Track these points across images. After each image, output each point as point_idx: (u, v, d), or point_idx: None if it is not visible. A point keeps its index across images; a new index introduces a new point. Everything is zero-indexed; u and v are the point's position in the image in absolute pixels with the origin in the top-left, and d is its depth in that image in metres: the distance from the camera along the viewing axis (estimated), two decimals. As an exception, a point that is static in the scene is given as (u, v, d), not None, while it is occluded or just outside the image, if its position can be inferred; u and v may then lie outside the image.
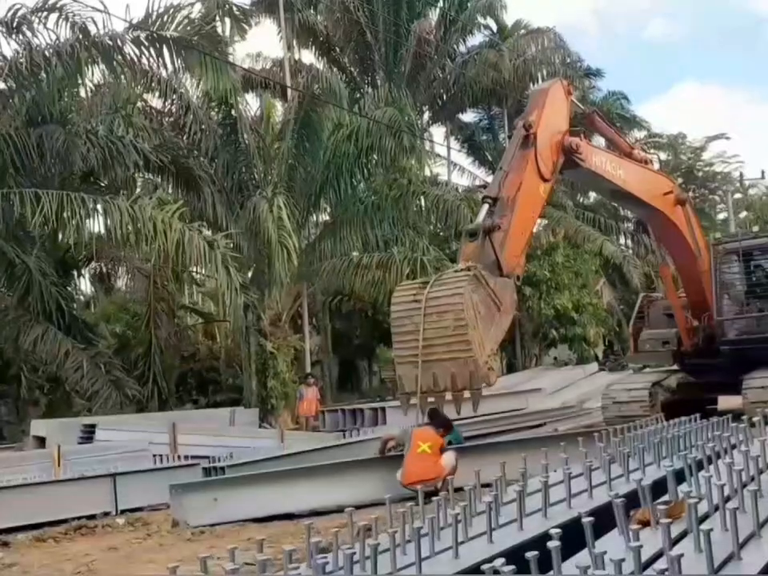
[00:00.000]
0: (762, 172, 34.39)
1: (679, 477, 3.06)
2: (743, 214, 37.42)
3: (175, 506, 7.16)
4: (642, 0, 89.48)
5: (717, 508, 2.53)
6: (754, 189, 39.31)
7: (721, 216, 34.31)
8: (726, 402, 12.11)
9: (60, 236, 15.05)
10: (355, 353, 25.15)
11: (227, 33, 17.74)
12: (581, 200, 28.04)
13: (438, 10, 24.80)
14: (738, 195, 35.91)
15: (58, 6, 12.88)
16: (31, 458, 10.50)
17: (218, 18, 16.01)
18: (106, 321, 20.85)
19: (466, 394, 7.26)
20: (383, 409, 13.59)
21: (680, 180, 25.72)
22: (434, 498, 2.87)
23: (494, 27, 26.43)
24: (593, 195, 27.09)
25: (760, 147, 66.64)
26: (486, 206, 7.89)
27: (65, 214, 12.63)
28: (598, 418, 12.52)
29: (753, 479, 2.85)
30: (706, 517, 2.57)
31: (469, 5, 24.15)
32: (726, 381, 11.20)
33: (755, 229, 14.03)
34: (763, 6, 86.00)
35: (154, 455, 9.98)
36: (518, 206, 7.91)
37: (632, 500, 2.68)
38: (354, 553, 2.18)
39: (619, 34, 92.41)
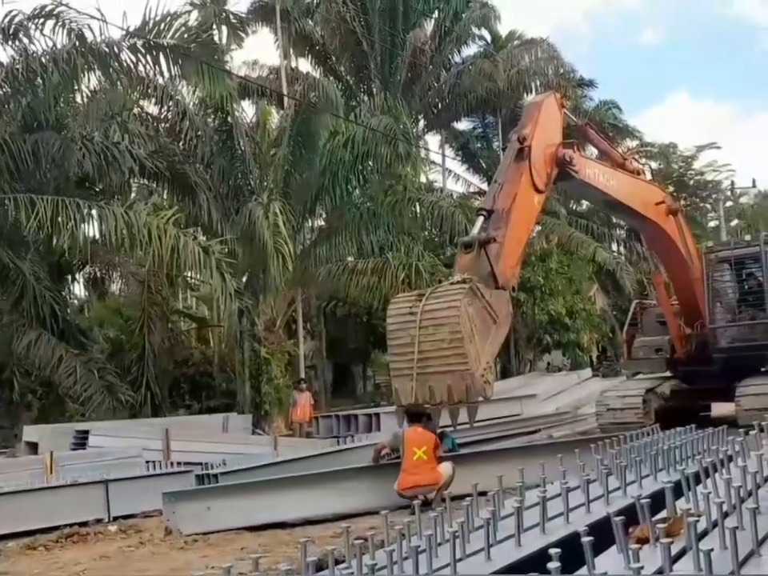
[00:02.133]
0: (753, 180, 34.78)
1: (676, 488, 3.07)
2: (734, 222, 37.66)
3: (168, 514, 7.12)
4: (635, 8, 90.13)
5: (715, 525, 2.54)
6: (745, 197, 39.58)
7: (712, 224, 34.51)
8: (719, 409, 12.18)
9: (54, 241, 14.97)
10: (350, 358, 25.14)
11: (224, 41, 17.79)
12: (574, 207, 28.18)
13: (433, 20, 24.99)
14: (729, 203, 36.11)
15: (54, 12, 12.88)
16: (23, 464, 10.42)
17: (214, 26, 16.04)
18: (99, 325, 20.76)
19: (462, 406, 7.25)
20: (377, 415, 13.55)
21: (671, 188, 25.85)
22: (432, 514, 2.86)
23: (489, 38, 26.68)
24: (585, 202, 27.21)
25: (751, 156, 67.23)
26: (481, 219, 7.95)
27: (59, 219, 12.62)
28: (593, 425, 12.56)
29: (750, 494, 2.86)
30: (704, 533, 2.57)
31: (463, 16, 24.37)
32: (720, 388, 11.28)
33: (747, 237, 14.11)
34: (757, 16, 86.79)
35: (147, 462, 9.91)
36: (512, 218, 7.96)
37: (629, 513, 2.68)
38: (352, 573, 2.17)
39: (613, 44, 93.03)
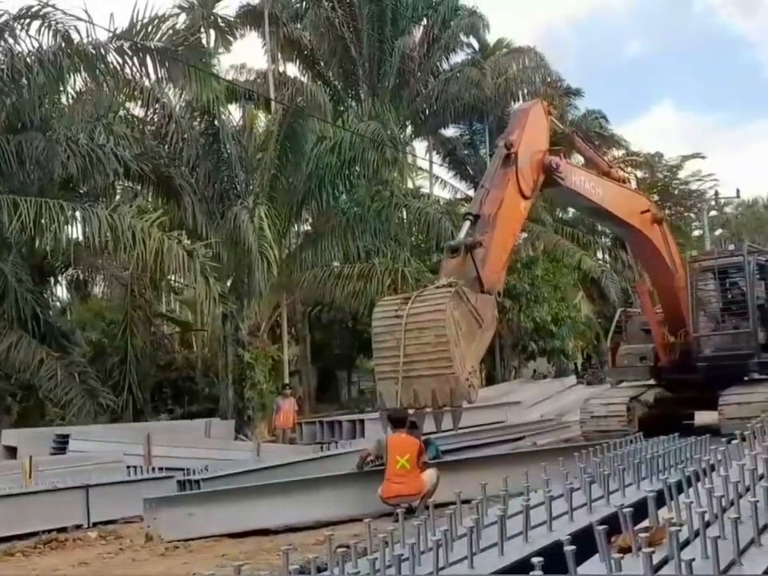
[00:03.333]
0: (737, 190, 35.13)
1: (659, 497, 3.07)
2: (718, 231, 38.12)
3: (149, 520, 7.04)
4: (621, 19, 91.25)
5: (697, 534, 2.54)
6: (729, 207, 40.07)
7: (696, 233, 34.89)
8: (702, 417, 12.28)
9: (37, 243, 14.82)
10: (335, 363, 25.06)
11: (212, 44, 17.71)
12: (560, 215, 28.36)
13: (421, 27, 25.06)
14: (713, 213, 36.53)
15: (41, 13, 12.76)
16: (1, 468, 10.26)
17: (202, 29, 15.97)
18: (81, 328, 20.49)
19: (447, 409, 7.25)
20: (362, 421, 13.51)
21: (656, 197, 26.08)
22: (415, 522, 2.85)
23: (477, 45, 26.82)
24: (571, 210, 27.39)
25: (735, 166, 68.12)
26: (467, 223, 7.98)
27: (43, 221, 12.48)
28: (577, 432, 12.61)
29: (732, 504, 2.87)
30: (686, 543, 2.58)
31: (452, 23, 24.44)
32: (703, 396, 11.39)
33: (731, 247, 14.27)
34: (740, 29, 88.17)
35: (128, 467, 9.80)
36: (498, 223, 8.00)
37: (612, 522, 2.68)
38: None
39: (598, 54, 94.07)
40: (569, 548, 2.16)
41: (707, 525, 2.53)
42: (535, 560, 2.06)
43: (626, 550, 2.49)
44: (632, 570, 2.23)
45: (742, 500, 2.86)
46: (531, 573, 1.98)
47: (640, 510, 2.93)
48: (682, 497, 3.06)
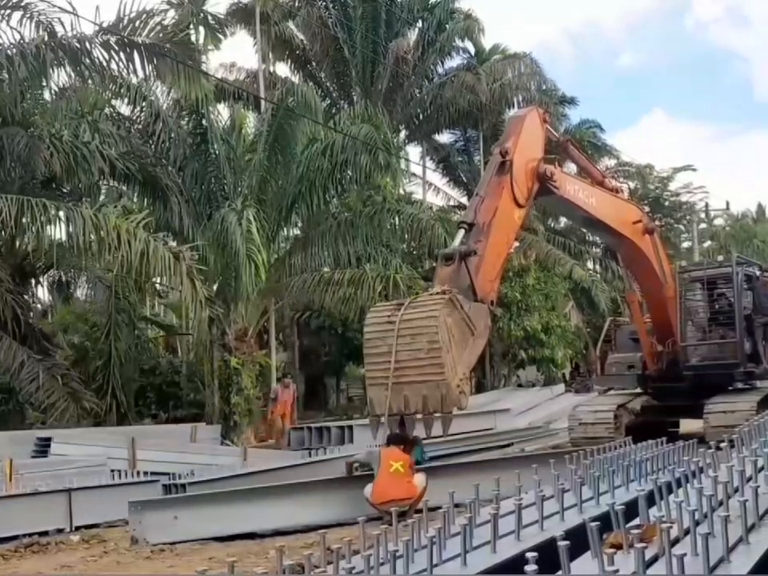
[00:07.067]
0: (727, 203, 35.55)
1: (648, 498, 3.07)
2: (707, 243, 38.42)
3: (134, 523, 6.97)
4: (614, 32, 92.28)
5: (687, 532, 2.55)
6: (719, 219, 40.45)
7: (685, 245, 35.14)
8: (687, 425, 12.35)
9: (18, 242, 14.56)
10: (323, 370, 24.94)
11: (201, 41, 17.53)
12: (551, 224, 28.47)
13: (416, 30, 24.95)
14: (702, 225, 36.82)
15: (22, 4, 12.42)
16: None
17: (192, 26, 15.74)
18: (63, 331, 20.22)
19: (437, 416, 7.25)
20: (350, 427, 13.46)
21: (647, 208, 26.28)
22: (409, 521, 2.84)
23: (472, 50, 26.70)
24: (563, 220, 27.53)
25: (725, 179, 68.70)
26: (461, 232, 8.00)
27: (24, 220, 12.22)
28: (565, 439, 12.64)
29: (721, 504, 2.87)
30: (676, 540, 2.58)
31: (447, 26, 24.33)
32: (688, 405, 11.47)
33: (719, 258, 14.42)
34: (729, 43, 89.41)
35: (112, 471, 9.67)
36: (493, 232, 8.02)
37: (601, 522, 2.67)
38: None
39: (591, 65, 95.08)
40: (562, 543, 2.14)
41: (697, 523, 2.54)
42: (529, 554, 2.04)
43: (617, 547, 2.48)
44: (623, 567, 2.23)
45: (730, 500, 2.87)
46: (525, 567, 1.96)
47: (629, 511, 2.93)
48: (672, 497, 3.06)
